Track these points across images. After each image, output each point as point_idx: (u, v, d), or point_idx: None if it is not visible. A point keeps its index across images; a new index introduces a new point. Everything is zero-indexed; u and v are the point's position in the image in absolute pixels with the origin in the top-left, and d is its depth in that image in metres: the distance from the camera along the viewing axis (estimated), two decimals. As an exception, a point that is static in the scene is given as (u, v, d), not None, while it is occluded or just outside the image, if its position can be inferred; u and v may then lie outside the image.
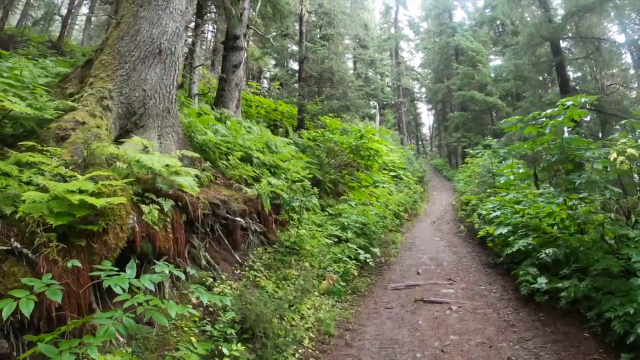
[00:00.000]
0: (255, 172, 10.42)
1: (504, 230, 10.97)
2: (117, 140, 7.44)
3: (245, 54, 18.55)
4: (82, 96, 7.55)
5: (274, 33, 28.76)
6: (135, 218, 5.23)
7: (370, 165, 17.41)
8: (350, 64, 46.66)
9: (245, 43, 18.56)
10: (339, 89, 25.68)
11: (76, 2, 30.05)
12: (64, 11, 31.39)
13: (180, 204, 6.49)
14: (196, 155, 8.81)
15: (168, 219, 5.92)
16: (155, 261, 5.21)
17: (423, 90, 64.92)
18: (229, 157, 9.99)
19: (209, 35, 36.91)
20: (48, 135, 6.04)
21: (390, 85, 53.61)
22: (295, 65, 36.60)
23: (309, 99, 24.67)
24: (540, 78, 25.39)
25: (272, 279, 7.87)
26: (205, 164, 8.98)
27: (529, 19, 27.03)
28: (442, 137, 52.62)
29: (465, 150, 34.82)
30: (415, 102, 66.63)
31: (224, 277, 7.14)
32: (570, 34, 21.45)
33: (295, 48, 34.23)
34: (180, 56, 9.78)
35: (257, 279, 7.68)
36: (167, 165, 6.08)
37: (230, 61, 17.44)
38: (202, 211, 7.00)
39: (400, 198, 20.17)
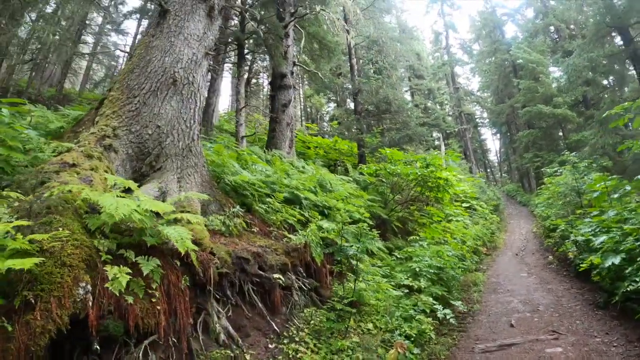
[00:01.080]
0: (303, 215, 8.69)
1: (617, 260, 8.51)
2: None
3: (294, 92, 17.60)
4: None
5: (326, 70, 27.56)
6: (88, 287, 3.56)
7: (440, 198, 15.23)
8: (408, 96, 45.00)
9: (293, 81, 17.82)
10: (398, 119, 24.02)
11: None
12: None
13: (181, 261, 4.79)
14: (219, 198, 7.24)
15: (155, 284, 4.20)
16: (131, 344, 3.78)
17: (485, 115, 62.16)
18: (269, 200, 8.30)
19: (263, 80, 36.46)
20: (26, 180, 4.96)
21: (452, 114, 51.39)
22: (352, 104, 35.52)
23: (367, 132, 23.17)
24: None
25: (320, 352, 5.86)
26: (235, 208, 7.30)
27: (590, 12, 24.48)
28: (512, 161, 49.75)
29: (539, 170, 32.62)
30: (479, 127, 63.78)
31: (249, 356, 5.26)
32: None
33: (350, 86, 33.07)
34: (201, 86, 8.46)
35: (300, 354, 5.74)
36: (151, 210, 4.41)
37: (279, 100, 16.82)
38: (219, 269, 5.30)
39: (477, 231, 17.88)
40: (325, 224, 8.07)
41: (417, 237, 12.46)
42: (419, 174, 13.63)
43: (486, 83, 52.53)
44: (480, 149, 64.96)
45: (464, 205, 21.44)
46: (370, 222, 11.00)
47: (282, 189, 9.27)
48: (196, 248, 4.80)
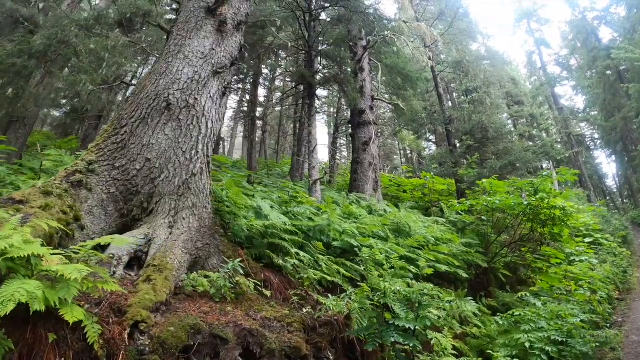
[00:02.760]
0: (350, 272, 6.28)
1: None
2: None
3: (375, 129, 16.27)
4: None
5: (413, 103, 25.37)
6: None
7: (558, 234, 11.36)
8: (510, 126, 41.64)
9: (373, 116, 16.61)
10: (497, 146, 21.02)
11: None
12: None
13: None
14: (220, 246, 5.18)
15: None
16: None
17: (596, 136, 56.15)
18: (302, 252, 6.00)
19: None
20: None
21: (560, 140, 46.63)
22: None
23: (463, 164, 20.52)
24: None
25: None
26: (234, 262, 5.17)
27: None
28: (634, 182, 43.67)
29: None
30: (591, 151, 57.85)
31: None
32: None
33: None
34: (210, 111, 6.71)
35: None
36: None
37: (359, 138, 15.69)
38: (143, 356, 3.19)
39: (606, 272, 14.25)
40: (384, 284, 5.49)
41: (526, 293, 9.16)
42: (526, 203, 10.46)
43: (592, 99, 47.40)
44: (596, 174, 58.80)
45: (587, 240, 17.61)
46: (464, 274, 8.40)
47: (335, 237, 6.98)
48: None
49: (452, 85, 35.39)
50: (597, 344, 7.36)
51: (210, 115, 6.57)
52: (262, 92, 30.45)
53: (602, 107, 44.06)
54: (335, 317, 5.09)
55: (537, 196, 10.18)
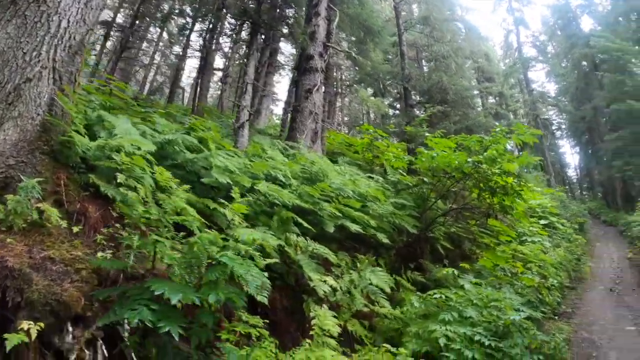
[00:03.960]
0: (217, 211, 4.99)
1: None
2: None
3: (322, 77, 14.78)
4: None
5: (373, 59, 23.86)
6: None
7: (509, 206, 9.83)
8: (475, 93, 40.75)
9: (322, 64, 15.02)
10: (457, 112, 19.68)
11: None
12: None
13: None
14: None
15: None
16: None
17: (563, 127, 56.41)
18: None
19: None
20: None
21: (527, 123, 45.82)
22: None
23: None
24: None
25: None
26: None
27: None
28: (595, 174, 43.88)
29: (630, 181, 29.94)
30: (557, 140, 57.71)
31: None
32: None
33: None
34: (68, 8, 5.19)
35: None
36: None
37: (303, 85, 14.16)
38: None
39: (559, 257, 13.22)
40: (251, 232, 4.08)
41: (454, 270, 7.66)
42: (471, 162, 8.49)
43: (564, 87, 47.59)
44: (559, 162, 58.92)
45: (542, 222, 16.59)
46: (385, 239, 7.03)
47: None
48: None
49: (424, 53, 34.04)
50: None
51: (67, 14, 4.98)
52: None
53: (573, 97, 44.17)
54: (154, 271, 3.68)
55: (485, 154, 8.62)
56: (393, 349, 5.04)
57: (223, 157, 6.13)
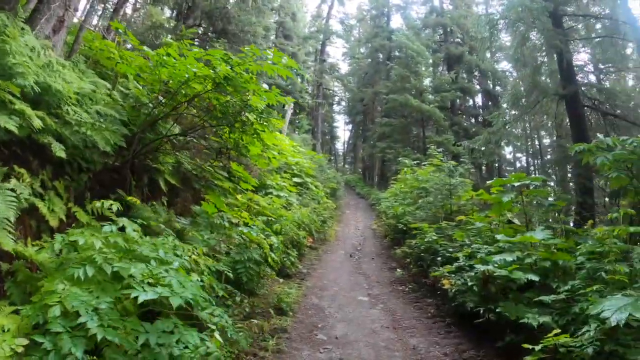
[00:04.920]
0: None
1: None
2: None
3: None
4: None
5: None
6: None
7: (245, 146, 7.40)
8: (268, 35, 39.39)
9: None
10: (237, 47, 17.59)
11: None
12: None
13: None
14: None
15: None
16: None
17: (343, 104, 59.40)
18: None
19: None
20: None
21: (311, 91, 46.16)
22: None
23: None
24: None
25: None
26: None
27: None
28: (362, 149, 46.72)
29: (389, 163, 31.29)
30: (334, 114, 60.17)
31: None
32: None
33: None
34: None
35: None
36: None
37: None
38: None
39: (302, 215, 12.34)
40: None
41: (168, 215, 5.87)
42: (195, 71, 5.95)
43: (355, 69, 50.08)
44: (330, 134, 61.60)
45: (296, 180, 15.78)
46: (59, 152, 4.75)
47: None
48: None
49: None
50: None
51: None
52: None
53: (360, 79, 46.71)
54: None
55: (218, 70, 5.97)
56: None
57: None
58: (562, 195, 11.66)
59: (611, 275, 4.83)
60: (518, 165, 39.28)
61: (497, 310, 5.58)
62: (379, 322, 7.20)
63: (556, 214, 9.56)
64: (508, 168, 38.24)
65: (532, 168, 33.89)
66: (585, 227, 7.37)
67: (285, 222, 9.84)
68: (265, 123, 6.51)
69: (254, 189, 9.17)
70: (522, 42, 15.17)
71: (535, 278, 5.63)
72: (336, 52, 59.31)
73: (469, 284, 6.70)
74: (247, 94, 6.25)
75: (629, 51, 19.22)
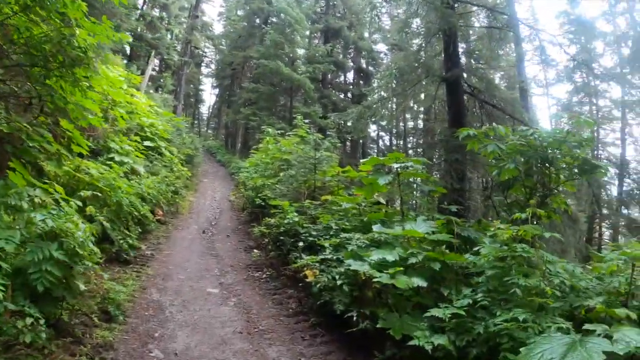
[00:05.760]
0: None
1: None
2: None
3: None
4: None
5: None
6: None
7: (64, 97, 5.32)
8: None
9: None
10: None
11: None
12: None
13: None
14: None
15: None
16: None
17: (213, 67, 56.14)
18: None
19: None
20: None
21: (180, 47, 42.54)
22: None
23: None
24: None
25: None
26: None
27: None
28: (227, 114, 44.79)
29: (252, 131, 30.61)
30: (202, 77, 57.40)
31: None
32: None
33: None
34: None
35: None
36: None
37: None
38: None
39: (147, 186, 10.70)
40: None
41: None
42: None
43: (228, 30, 47.74)
44: (195, 97, 58.52)
45: (147, 143, 13.78)
46: None
47: None
48: None
49: None
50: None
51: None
52: None
53: (233, 43, 44.57)
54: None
55: None
56: None
57: None
58: (440, 181, 11.24)
59: (531, 297, 4.15)
60: (381, 143, 40.10)
61: (375, 318, 4.78)
62: (231, 324, 6.02)
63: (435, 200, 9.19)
64: (371, 145, 38.97)
65: (394, 148, 34.40)
66: (473, 222, 7.01)
67: (123, 195, 8.14)
68: (90, 66, 4.88)
69: (88, 153, 7.38)
70: (406, 24, 14.77)
71: (423, 284, 4.89)
72: (212, 12, 55.95)
73: (338, 282, 5.81)
74: (71, 24, 4.61)
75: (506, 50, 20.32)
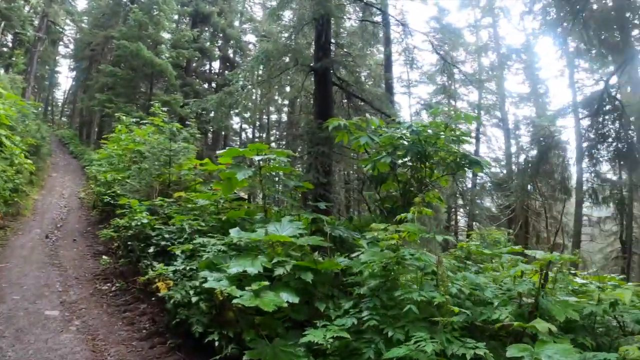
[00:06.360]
0: None
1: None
2: None
3: None
4: None
5: None
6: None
7: None
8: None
9: None
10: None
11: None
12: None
13: None
14: None
15: None
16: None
17: (72, 47, 49.85)
18: None
19: None
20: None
21: (35, 20, 37.78)
22: None
23: None
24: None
25: None
26: None
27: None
28: (81, 101, 40.76)
29: (108, 118, 28.76)
30: (59, 58, 52.07)
31: None
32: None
33: None
34: None
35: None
36: None
37: None
38: None
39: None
40: None
41: None
42: None
43: (93, 6, 42.86)
44: (50, 79, 52.99)
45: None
46: None
47: None
48: None
49: None
50: None
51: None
52: None
53: (95, 22, 40.38)
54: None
55: None
56: None
57: None
58: (305, 175, 10.90)
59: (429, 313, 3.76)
60: (244, 136, 39.56)
61: (242, 342, 4.25)
62: (73, 358, 5.05)
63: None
64: (234, 138, 38.34)
65: (257, 141, 34.06)
66: (343, 219, 6.70)
67: None
68: None
69: None
70: (280, 6, 14.33)
71: (295, 300, 4.40)
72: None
73: (193, 299, 5.11)
74: None
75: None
